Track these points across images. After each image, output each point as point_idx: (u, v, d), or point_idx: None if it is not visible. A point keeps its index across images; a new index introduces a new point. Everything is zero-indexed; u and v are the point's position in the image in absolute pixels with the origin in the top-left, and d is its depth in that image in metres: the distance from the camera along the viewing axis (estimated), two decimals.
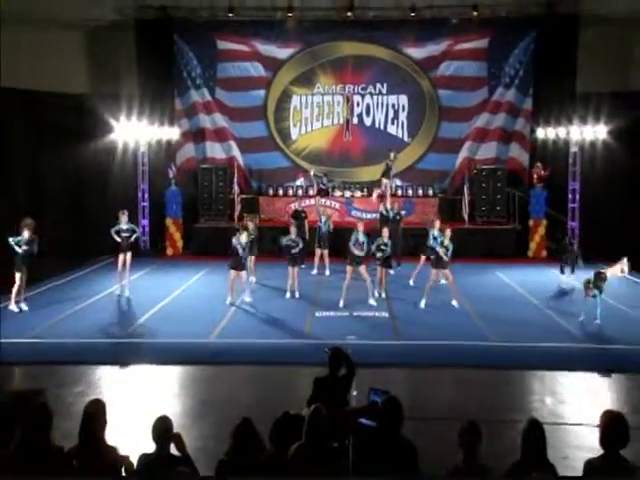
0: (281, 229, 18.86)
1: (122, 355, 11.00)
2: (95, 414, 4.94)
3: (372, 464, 4.85)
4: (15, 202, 19.53)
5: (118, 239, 15.18)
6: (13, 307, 13.68)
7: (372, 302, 14.31)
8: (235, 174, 21.61)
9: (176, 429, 5.09)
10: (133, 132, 19.99)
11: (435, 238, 14.98)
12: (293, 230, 15.67)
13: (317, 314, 13.67)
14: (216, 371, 10.50)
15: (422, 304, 14.21)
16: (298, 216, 18.52)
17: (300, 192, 21.81)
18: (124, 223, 15.21)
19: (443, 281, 14.78)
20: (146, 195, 21.00)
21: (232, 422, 5.07)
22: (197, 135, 22.52)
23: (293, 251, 15.12)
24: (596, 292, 12.85)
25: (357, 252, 14.27)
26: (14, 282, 13.53)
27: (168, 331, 12.37)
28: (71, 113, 19.44)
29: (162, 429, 4.99)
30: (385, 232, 14.70)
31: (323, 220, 17.48)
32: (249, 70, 22.40)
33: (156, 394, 9.41)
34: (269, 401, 8.28)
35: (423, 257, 16.00)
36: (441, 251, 14.17)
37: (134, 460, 5.01)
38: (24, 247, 13.40)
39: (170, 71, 21.80)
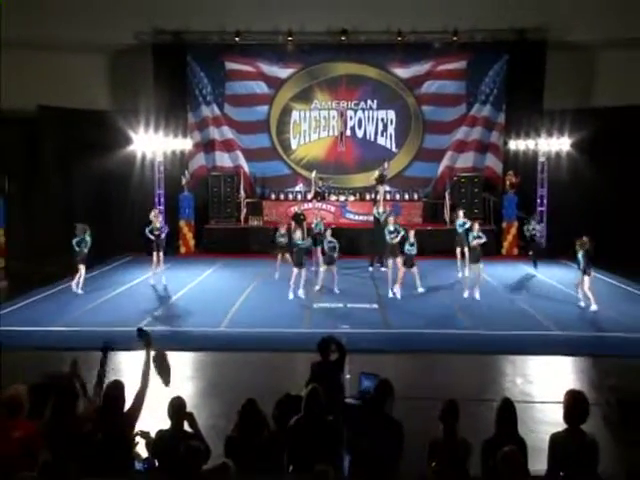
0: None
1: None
2: (115, 393, 4.98)
3: (362, 439, 4.88)
4: (51, 206, 19.69)
5: (152, 237, 15.55)
6: (78, 290, 14.60)
7: (394, 293, 14.20)
8: (241, 181, 21.61)
9: (189, 408, 5.12)
10: (150, 144, 19.94)
11: (467, 229, 15.10)
12: (299, 233, 14.98)
13: (315, 305, 13.68)
14: (225, 357, 10.53)
15: (420, 289, 14.34)
16: (297, 218, 18.52)
17: (299, 197, 21.81)
18: (158, 222, 15.65)
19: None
20: (162, 200, 20.95)
21: (239, 402, 5.09)
22: (207, 146, 22.47)
23: (332, 253, 14.41)
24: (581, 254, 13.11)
25: (393, 240, 14.21)
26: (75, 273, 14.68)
27: (182, 320, 12.37)
28: (96, 127, 19.46)
29: (176, 408, 5.03)
30: (412, 232, 14.39)
31: (315, 222, 17.17)
32: (254, 88, 22.36)
33: (171, 377, 9.39)
34: (272, 384, 8.29)
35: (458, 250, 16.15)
36: (475, 242, 14.18)
37: (152, 435, 5.04)
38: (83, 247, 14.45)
39: (184, 89, 21.74)
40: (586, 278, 13.19)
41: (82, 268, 14.62)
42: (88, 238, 14.50)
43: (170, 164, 21.11)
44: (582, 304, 13.47)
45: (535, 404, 8.46)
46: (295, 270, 14.21)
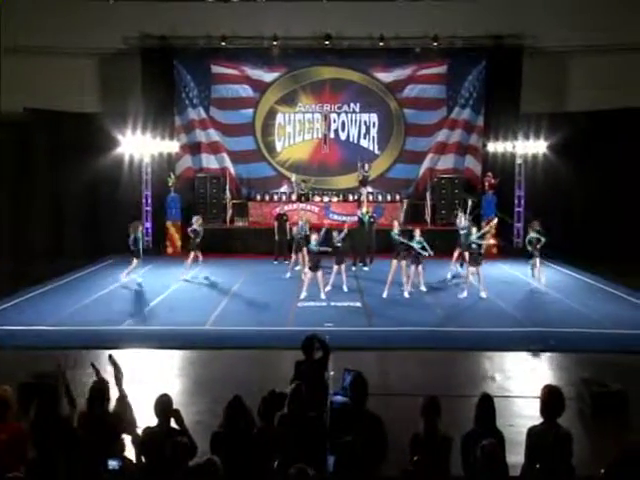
0: (269, 230, 18.90)
1: (127, 341, 10.91)
2: (98, 392, 4.93)
3: (343, 434, 4.88)
4: (39, 208, 19.48)
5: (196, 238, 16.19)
6: (125, 279, 15.47)
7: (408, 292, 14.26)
8: (227, 182, 21.53)
9: (175, 406, 5.08)
10: (138, 146, 19.76)
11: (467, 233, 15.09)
12: (314, 236, 14.52)
13: (299, 304, 13.66)
14: (211, 355, 10.48)
15: (406, 293, 14.29)
16: (281, 219, 18.53)
17: (284, 198, 21.78)
18: (197, 226, 16.27)
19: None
20: (149, 201, 20.81)
21: (225, 399, 5.06)
22: (194, 148, 22.33)
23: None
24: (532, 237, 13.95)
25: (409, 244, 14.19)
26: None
27: (168, 319, 12.30)
28: (85, 130, 19.32)
29: (163, 405, 4.99)
30: (418, 231, 14.45)
31: (301, 224, 17.12)
32: (239, 91, 22.27)
33: (158, 375, 9.36)
34: (257, 381, 8.26)
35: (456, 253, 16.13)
36: (483, 243, 14.39)
37: (139, 432, 5.00)
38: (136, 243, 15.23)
39: (170, 92, 21.60)
40: (537, 259, 14.39)
41: (135, 261, 15.42)
42: (140, 235, 15.58)
43: (157, 166, 20.95)
44: (536, 284, 14.62)
45: (513, 398, 8.51)
46: (311, 274, 13.99)
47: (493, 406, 5.01)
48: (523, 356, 10.49)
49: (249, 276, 16.40)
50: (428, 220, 20.93)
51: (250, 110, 22.40)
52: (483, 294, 14.20)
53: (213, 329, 11.84)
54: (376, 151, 22.56)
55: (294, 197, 21.18)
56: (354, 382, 5.22)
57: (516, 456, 4.98)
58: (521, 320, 12.42)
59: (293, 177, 21.31)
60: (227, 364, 10.00)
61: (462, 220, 16.01)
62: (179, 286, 15.64)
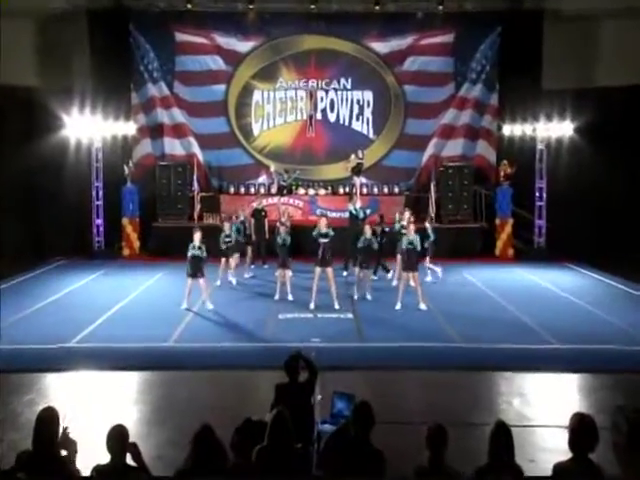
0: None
1: (75, 361, 10.80)
2: (48, 422, 4.85)
3: (339, 472, 4.84)
4: None
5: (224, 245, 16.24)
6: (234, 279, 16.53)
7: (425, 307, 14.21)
8: (195, 171, 21.49)
9: (132, 438, 5.02)
10: (86, 128, 19.69)
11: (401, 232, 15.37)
12: (284, 229, 15.21)
13: (280, 316, 13.63)
14: (174, 376, 10.39)
15: (398, 306, 14.18)
16: (258, 215, 18.50)
17: (262, 190, 21.74)
18: (227, 229, 16.38)
19: (412, 283, 14.79)
20: (100, 193, 20.71)
21: (191, 429, 5.01)
22: (155, 131, 22.28)
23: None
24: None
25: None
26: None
27: (124, 335, 12.18)
28: (22, 107, 19.07)
29: (117, 438, 4.92)
30: (429, 225, 15.08)
31: (283, 220, 17.19)
32: (209, 64, 22.25)
33: (111, 401, 9.27)
34: (230, 407, 8.22)
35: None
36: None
37: (87, 471, 4.93)
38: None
39: (126, 64, 21.53)
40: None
41: (234, 258, 16.32)
42: (234, 234, 16.45)
43: (110, 152, 20.84)
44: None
45: (534, 428, 8.51)
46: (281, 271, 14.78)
47: (511, 437, 5.00)
48: (547, 377, 10.50)
49: (221, 283, 16.32)
50: (432, 216, 20.95)
51: (221, 86, 22.37)
52: (422, 305, 14.18)
53: (178, 346, 11.76)
54: (371, 135, 22.62)
55: (274, 189, 21.14)
56: (357, 411, 5.17)
57: None
58: (543, 334, 12.45)
59: (273, 166, 21.28)
60: (194, 387, 9.91)
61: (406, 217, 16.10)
62: (138, 295, 15.53)
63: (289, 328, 12.80)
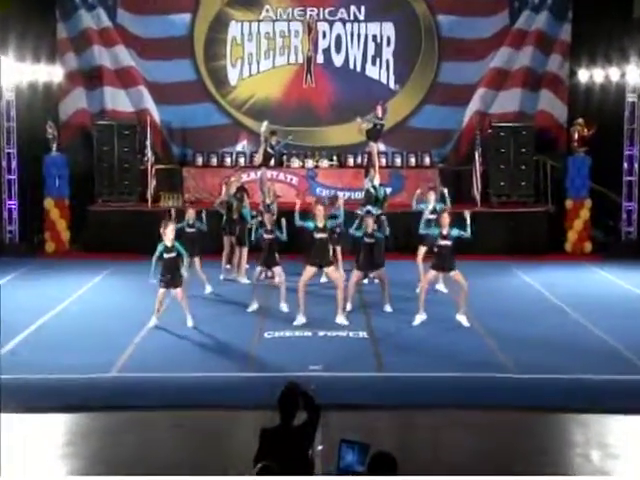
0: (216, 215, 18.77)
1: None
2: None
3: None
4: None
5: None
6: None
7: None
8: (148, 135, 21.45)
9: None
10: None
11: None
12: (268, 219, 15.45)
13: (267, 334, 13.68)
14: (118, 419, 10.39)
15: (417, 320, 14.28)
16: (236, 196, 18.46)
17: (242, 162, 21.75)
18: (191, 218, 16.53)
19: (442, 287, 14.73)
20: (14, 164, 20.74)
21: None
22: (91, 77, 22.39)
23: None
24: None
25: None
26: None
27: (47, 363, 12.21)
28: None
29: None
30: (467, 214, 14.64)
31: (268, 203, 17.31)
32: None
33: (32, 454, 9.27)
34: (199, 462, 8.26)
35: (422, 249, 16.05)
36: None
37: None
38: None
39: None
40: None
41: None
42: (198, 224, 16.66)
43: (27, 106, 20.86)
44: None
45: None
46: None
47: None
48: (638, 420, 10.50)
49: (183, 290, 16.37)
50: (477, 197, 20.94)
51: (185, 15, 22.49)
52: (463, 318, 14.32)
53: (124, 376, 11.78)
54: (392, 85, 22.70)
55: (258, 159, 21.06)
56: (374, 466, 5.19)
57: None
58: (636, 361, 12.46)
59: (263, 125, 21.02)
60: (147, 435, 9.93)
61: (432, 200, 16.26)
62: (67, 307, 15.55)
63: (280, 351, 12.86)
